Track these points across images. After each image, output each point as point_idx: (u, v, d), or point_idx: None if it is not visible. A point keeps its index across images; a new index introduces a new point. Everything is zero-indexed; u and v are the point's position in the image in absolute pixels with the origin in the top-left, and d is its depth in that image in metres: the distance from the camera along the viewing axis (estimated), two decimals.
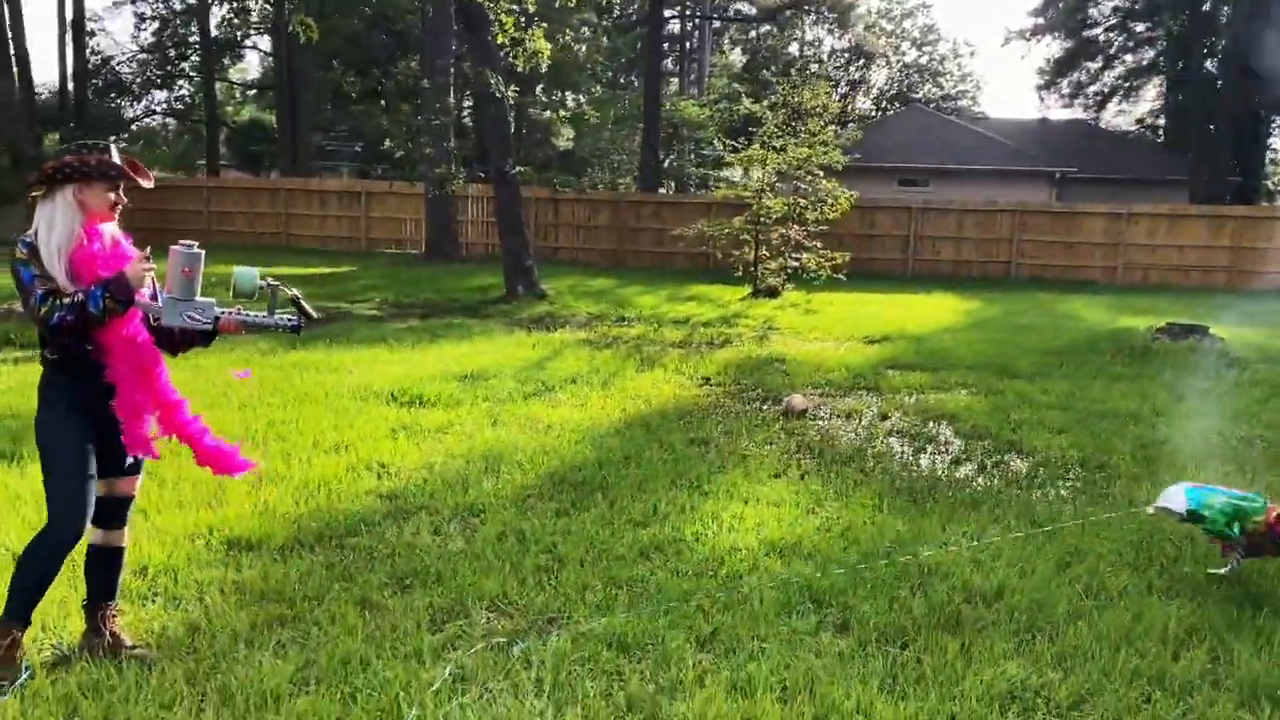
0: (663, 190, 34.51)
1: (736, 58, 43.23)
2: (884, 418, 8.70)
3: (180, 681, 3.56)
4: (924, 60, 49.46)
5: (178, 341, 3.69)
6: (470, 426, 7.70)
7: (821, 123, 18.67)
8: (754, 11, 34.92)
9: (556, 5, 35.31)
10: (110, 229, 3.59)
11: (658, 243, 26.19)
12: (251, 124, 47.88)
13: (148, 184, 3.65)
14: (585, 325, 14.43)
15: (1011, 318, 16.28)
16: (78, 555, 3.75)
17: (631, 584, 4.59)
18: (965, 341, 13.14)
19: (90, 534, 3.65)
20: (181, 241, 3.51)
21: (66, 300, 3.33)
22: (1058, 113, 50.80)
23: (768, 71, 39.74)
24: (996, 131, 33.30)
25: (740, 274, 19.50)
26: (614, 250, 27.19)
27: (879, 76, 49.21)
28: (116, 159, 3.53)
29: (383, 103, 22.15)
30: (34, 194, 3.50)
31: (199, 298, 3.50)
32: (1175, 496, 4.92)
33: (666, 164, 29.02)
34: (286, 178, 32.38)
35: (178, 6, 40.11)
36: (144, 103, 41.50)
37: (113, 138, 39.68)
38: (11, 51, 31.29)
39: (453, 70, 21.57)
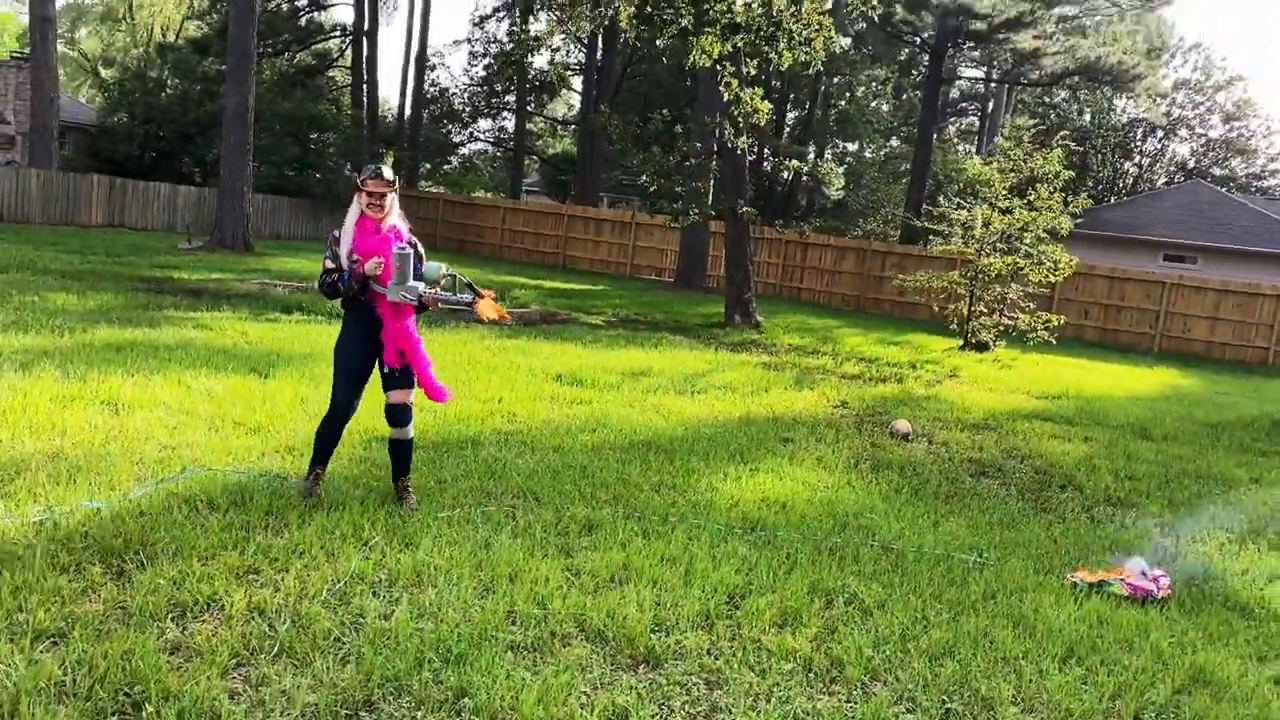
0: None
1: (1025, 121, 42.82)
2: (976, 449, 9.67)
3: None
4: (1232, 135, 46.51)
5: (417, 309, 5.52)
6: (607, 405, 9.52)
7: (1051, 188, 19.08)
8: (1039, 76, 34.64)
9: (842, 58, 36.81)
10: (391, 221, 5.40)
11: (900, 292, 27.02)
12: (562, 155, 52.77)
13: (374, 189, 5.29)
14: (777, 352, 15.91)
15: (1214, 396, 16.09)
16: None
17: (629, 499, 6.21)
18: (1130, 407, 13.45)
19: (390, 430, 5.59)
20: (398, 245, 5.29)
21: (330, 279, 5.32)
22: None
23: (1061, 136, 39.23)
24: None
25: (955, 327, 20.19)
26: (856, 296, 28.28)
27: (1183, 149, 46.89)
28: (368, 176, 5.32)
29: (655, 148, 24.55)
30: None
31: (411, 283, 5.28)
32: (1132, 565, 5.73)
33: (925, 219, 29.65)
34: (570, 205, 35.87)
35: (507, 47, 45.14)
36: (470, 130, 46.92)
37: (438, 160, 45.23)
38: (365, 79, 36.85)
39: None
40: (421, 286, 5.30)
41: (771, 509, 6.39)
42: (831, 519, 6.29)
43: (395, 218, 5.44)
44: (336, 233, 5.40)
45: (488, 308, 5.54)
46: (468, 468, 6.49)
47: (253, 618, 3.97)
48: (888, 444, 9.34)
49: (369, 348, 5.43)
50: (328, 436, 5.57)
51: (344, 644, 3.85)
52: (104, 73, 49.31)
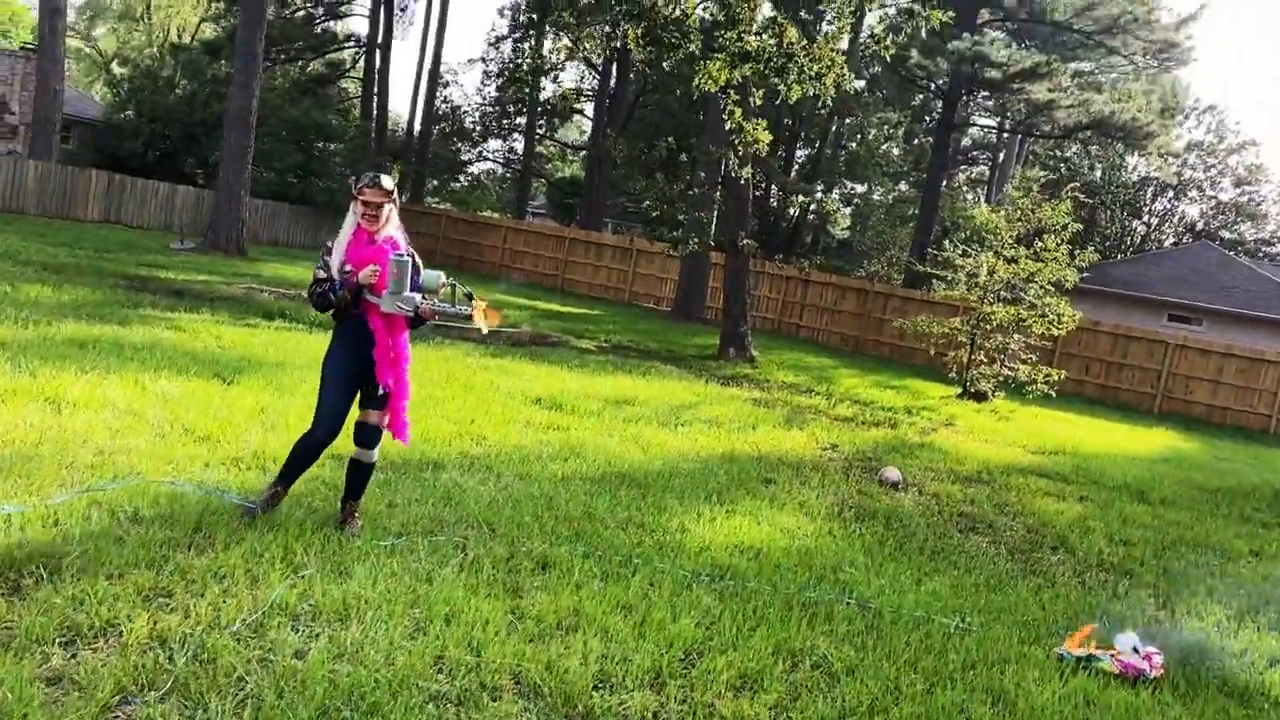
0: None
1: (1036, 172, 42.70)
2: (967, 503, 9.28)
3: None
4: (1243, 199, 46.36)
5: (412, 321, 5.18)
6: (584, 433, 9.14)
7: (1058, 240, 18.78)
8: (1052, 128, 34.50)
9: (856, 98, 36.72)
10: (390, 230, 5.11)
11: (900, 335, 26.70)
12: (570, 180, 52.65)
13: (371, 198, 5.00)
14: (769, 389, 15.54)
15: (1214, 461, 15.71)
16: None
17: (592, 535, 5.82)
18: (1128, 467, 13.07)
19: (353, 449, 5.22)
20: (396, 253, 5.00)
21: (321, 288, 4.99)
22: None
23: (1072, 187, 39.02)
24: None
25: (954, 375, 19.83)
26: (856, 336, 27.95)
27: (1192, 210, 46.75)
28: (365, 184, 5.03)
29: (658, 175, 24.39)
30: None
31: (407, 293, 4.95)
32: (1124, 641, 5.35)
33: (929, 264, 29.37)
34: (571, 228, 35.62)
35: (515, 64, 44.98)
36: (479, 149, 46.74)
37: (445, 176, 45.10)
38: (376, 91, 36.73)
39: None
40: (418, 297, 4.97)
41: (744, 556, 6.00)
42: (807, 570, 5.90)
43: (393, 229, 5.14)
44: (330, 242, 5.11)
45: (483, 315, 5.16)
46: (423, 492, 6.11)
47: (152, 647, 3.59)
48: (876, 492, 8.96)
49: (359, 363, 5.09)
50: (303, 456, 5.18)
51: (246, 684, 3.46)
52: (117, 70, 49.31)
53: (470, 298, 5.16)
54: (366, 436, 5.20)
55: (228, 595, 4.09)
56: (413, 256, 5.01)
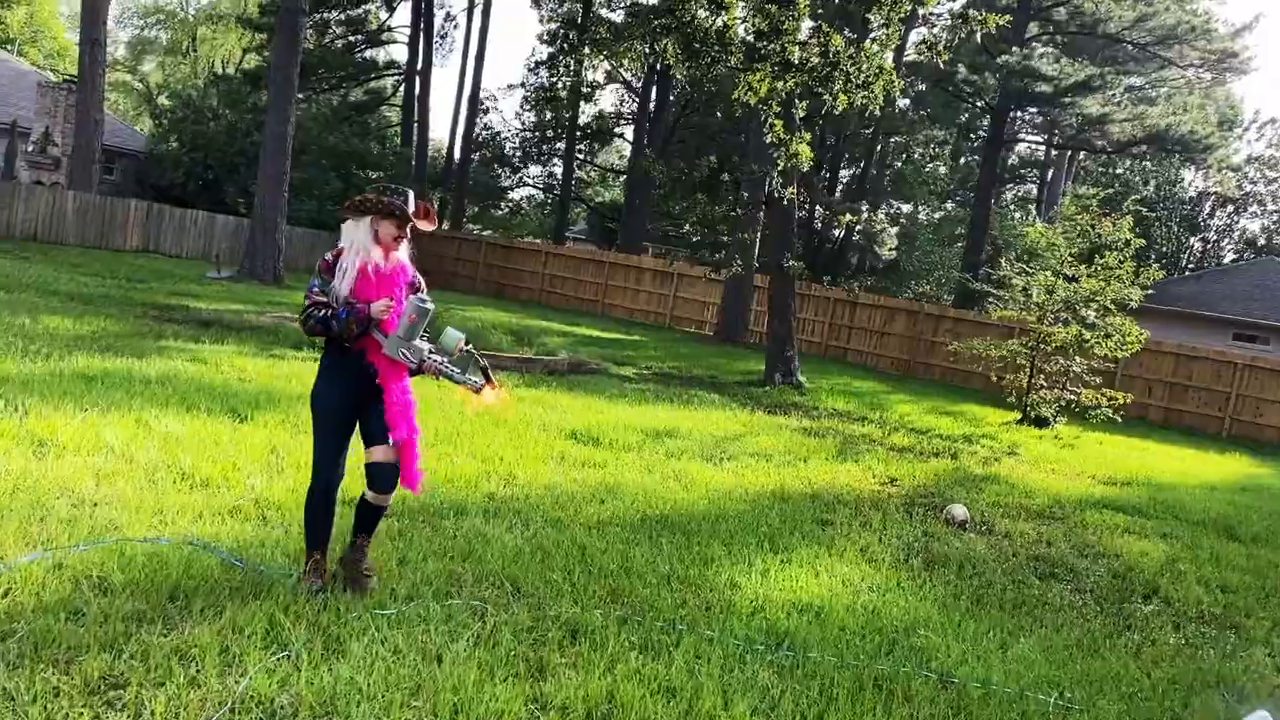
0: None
1: (1088, 190, 41.56)
2: (1042, 543, 8.45)
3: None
4: None
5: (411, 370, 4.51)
6: (622, 469, 8.45)
7: (1120, 257, 17.84)
8: (1105, 143, 33.46)
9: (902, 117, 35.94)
10: (401, 254, 4.49)
11: (954, 358, 25.74)
12: (611, 204, 52.17)
13: (427, 228, 4.50)
14: (819, 417, 14.75)
15: None
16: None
17: (629, 594, 5.12)
18: (1207, 499, 12.10)
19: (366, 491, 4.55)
20: (418, 296, 4.40)
21: (321, 313, 4.28)
22: None
23: (1133, 200, 37.96)
24: None
25: (1013, 400, 18.89)
26: (906, 360, 27.03)
27: (1253, 224, 45.24)
28: (410, 205, 4.42)
29: (700, 195, 23.77)
30: (345, 218, 4.44)
31: (416, 342, 4.36)
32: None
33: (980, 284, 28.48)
34: (611, 252, 35.05)
35: (548, 83, 44.65)
36: (519, 175, 46.44)
37: (486, 202, 44.82)
38: (415, 118, 36.57)
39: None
40: (426, 349, 4.35)
41: (804, 617, 5.26)
42: (877, 635, 5.15)
43: (404, 252, 4.49)
44: (329, 256, 4.40)
45: (492, 398, 4.52)
46: (441, 544, 5.44)
47: None
48: (942, 532, 8.16)
49: (355, 400, 4.42)
50: (321, 513, 4.48)
51: None
52: (162, 102, 49.75)
53: (485, 372, 4.49)
54: (385, 478, 4.47)
55: (194, 685, 3.44)
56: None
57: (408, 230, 4.43)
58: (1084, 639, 5.81)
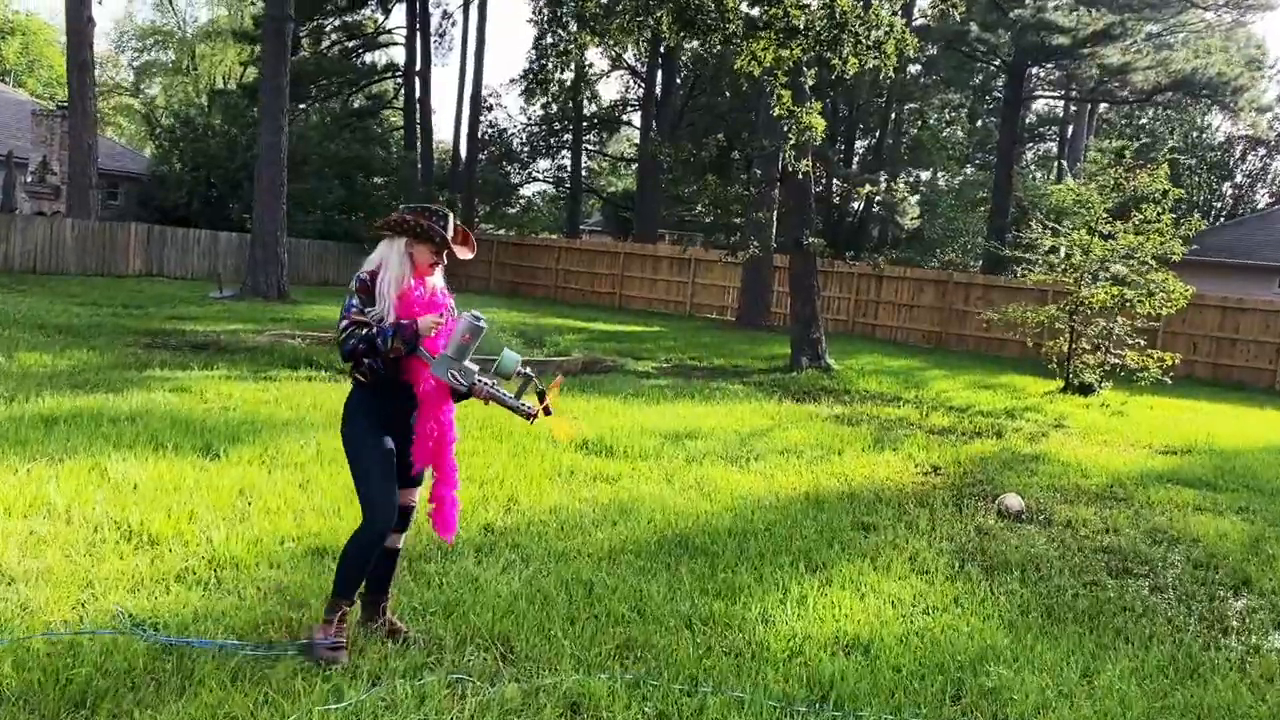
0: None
1: (1111, 143, 40.25)
2: (1108, 531, 7.59)
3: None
4: None
5: (458, 394, 4.01)
6: (638, 481, 7.66)
7: (1159, 210, 16.81)
8: (1128, 93, 32.21)
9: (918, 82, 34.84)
10: (435, 281, 4.04)
11: (988, 327, 24.75)
12: (624, 193, 51.30)
13: (466, 256, 4.07)
14: (851, 401, 13.90)
15: None
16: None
17: (643, 646, 4.33)
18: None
19: None
20: (472, 312, 3.87)
21: (363, 331, 3.80)
22: None
23: (1169, 149, 36.68)
24: None
25: (1054, 367, 17.93)
26: (937, 332, 26.07)
27: None
28: (449, 230, 3.96)
29: (710, 176, 22.86)
30: (378, 236, 4.04)
31: (467, 363, 3.85)
32: None
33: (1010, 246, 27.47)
34: (625, 242, 34.25)
35: (567, 83, 43.88)
36: (529, 170, 45.63)
37: (497, 201, 44.11)
38: (418, 120, 35.87)
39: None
40: (477, 371, 3.86)
41: (851, 658, 4.45)
42: (939, 675, 4.33)
43: (439, 276, 4.08)
44: (364, 275, 3.89)
45: (561, 429, 4.16)
46: (422, 597, 4.67)
47: None
48: (997, 528, 7.32)
49: (401, 434, 4.01)
50: (364, 555, 3.95)
51: None
52: (164, 122, 49.39)
53: (542, 396, 3.97)
54: (401, 519, 4.09)
55: None
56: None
57: (444, 257, 3.99)
58: (1178, 655, 4.97)
